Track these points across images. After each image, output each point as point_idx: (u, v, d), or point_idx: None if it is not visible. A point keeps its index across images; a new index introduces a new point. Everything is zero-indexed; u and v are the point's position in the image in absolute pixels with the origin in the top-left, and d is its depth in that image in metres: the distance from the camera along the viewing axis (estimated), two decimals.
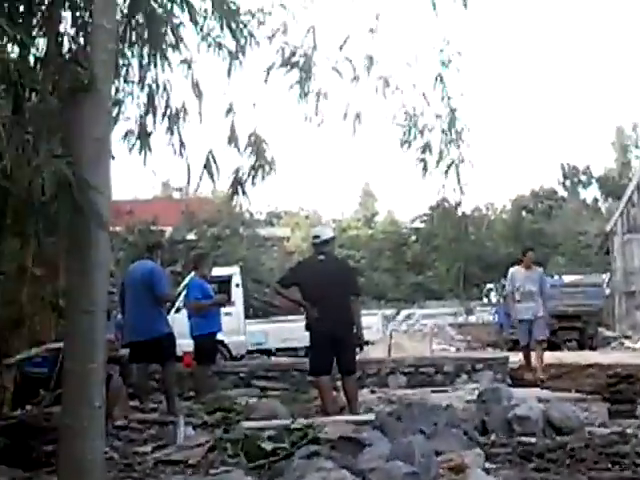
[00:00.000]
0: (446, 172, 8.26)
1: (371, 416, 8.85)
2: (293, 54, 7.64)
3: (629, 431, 8.79)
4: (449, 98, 8.18)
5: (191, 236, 37.76)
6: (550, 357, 19.20)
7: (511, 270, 16.36)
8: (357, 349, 11.19)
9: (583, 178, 78.62)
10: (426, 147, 8.31)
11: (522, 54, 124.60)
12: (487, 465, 6.60)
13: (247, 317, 23.27)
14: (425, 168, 8.33)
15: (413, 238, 72.37)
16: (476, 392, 10.98)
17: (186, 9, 6.49)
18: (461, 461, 6.13)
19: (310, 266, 11.22)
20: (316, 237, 11.16)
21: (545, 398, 10.66)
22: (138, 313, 11.17)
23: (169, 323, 11.63)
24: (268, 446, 6.95)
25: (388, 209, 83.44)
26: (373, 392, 14.09)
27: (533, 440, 8.28)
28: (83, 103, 4.39)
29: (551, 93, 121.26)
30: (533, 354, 16.46)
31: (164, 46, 6.61)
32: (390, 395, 13.26)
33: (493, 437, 8.56)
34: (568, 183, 78.37)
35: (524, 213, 73.00)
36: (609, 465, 7.10)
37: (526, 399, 10.01)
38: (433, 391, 13.79)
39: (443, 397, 12.03)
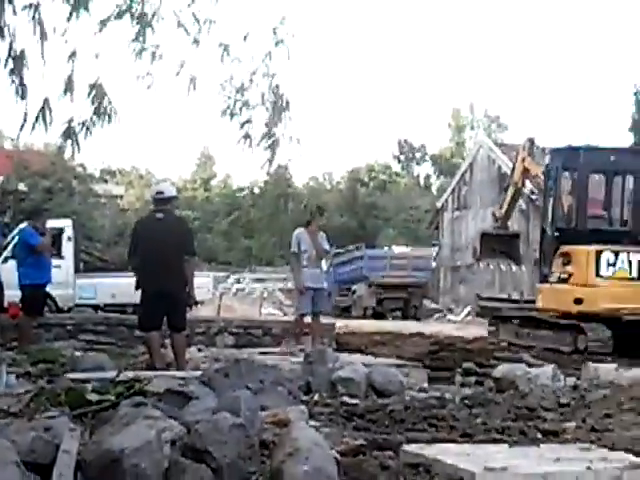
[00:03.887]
0: (270, 147, 8.23)
1: (198, 372, 8.91)
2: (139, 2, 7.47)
3: (447, 396, 9.15)
4: (272, 75, 8.13)
5: (22, 187, 36.77)
6: (374, 325, 19.66)
7: (297, 232, 14.79)
8: (187, 307, 11.21)
9: (417, 155, 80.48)
10: (249, 121, 8.26)
11: (364, 32, 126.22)
12: (310, 423, 6.75)
13: (77, 271, 22.92)
14: (249, 142, 8.30)
15: (248, 203, 72.44)
16: (302, 354, 11.16)
17: None
18: (285, 416, 6.28)
19: (147, 223, 11.18)
20: (159, 193, 11.08)
21: (368, 363, 10.93)
22: None
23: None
24: (93, 397, 6.90)
25: (226, 173, 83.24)
26: (200, 350, 14.13)
27: (355, 401, 8.52)
28: None
29: (394, 72, 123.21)
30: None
31: None
32: (217, 354, 13.33)
33: (317, 397, 8.76)
34: (403, 158, 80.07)
35: (359, 186, 74.06)
36: (426, 427, 7.38)
37: (351, 362, 10.28)
38: (260, 353, 13.92)
39: (269, 358, 12.16)
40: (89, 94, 7.03)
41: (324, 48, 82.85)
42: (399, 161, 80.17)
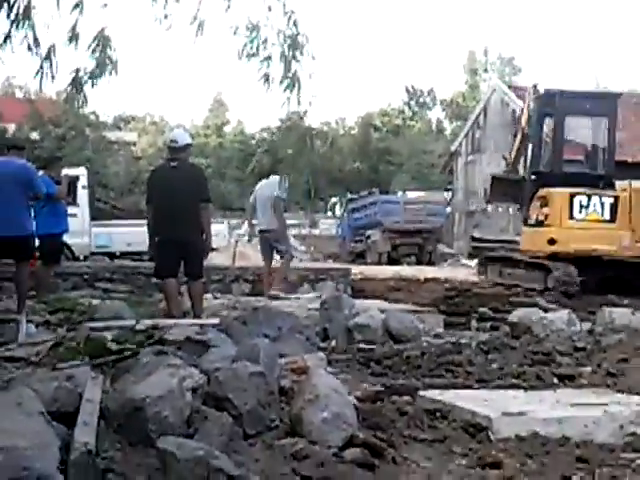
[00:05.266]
0: (290, 86, 8.14)
1: (216, 320, 8.96)
2: None
3: (463, 341, 9.20)
4: (291, 12, 8.01)
5: (34, 136, 36.73)
6: (389, 271, 19.66)
7: (274, 179, 14.45)
8: (204, 255, 11.24)
9: (427, 100, 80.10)
10: (268, 60, 8.17)
11: None
12: (328, 369, 6.82)
13: (93, 219, 22.99)
14: (268, 82, 8.22)
15: (262, 149, 72.20)
16: (318, 302, 11.19)
17: None
18: (304, 364, 6.34)
19: (162, 172, 11.15)
20: (174, 141, 10.97)
21: (384, 309, 10.97)
22: (10, 209, 10.55)
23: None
24: (113, 346, 6.96)
25: (239, 119, 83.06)
26: (217, 298, 14.18)
27: (372, 347, 8.59)
28: None
29: (406, 16, 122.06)
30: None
31: None
32: (234, 302, 13.37)
33: (334, 343, 8.83)
34: (413, 104, 79.72)
35: (372, 130, 73.76)
36: (443, 372, 7.44)
37: (367, 309, 10.34)
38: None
39: (286, 305, 12.20)
40: (89, 46, 6.96)
41: None
42: (409, 107, 79.80)
